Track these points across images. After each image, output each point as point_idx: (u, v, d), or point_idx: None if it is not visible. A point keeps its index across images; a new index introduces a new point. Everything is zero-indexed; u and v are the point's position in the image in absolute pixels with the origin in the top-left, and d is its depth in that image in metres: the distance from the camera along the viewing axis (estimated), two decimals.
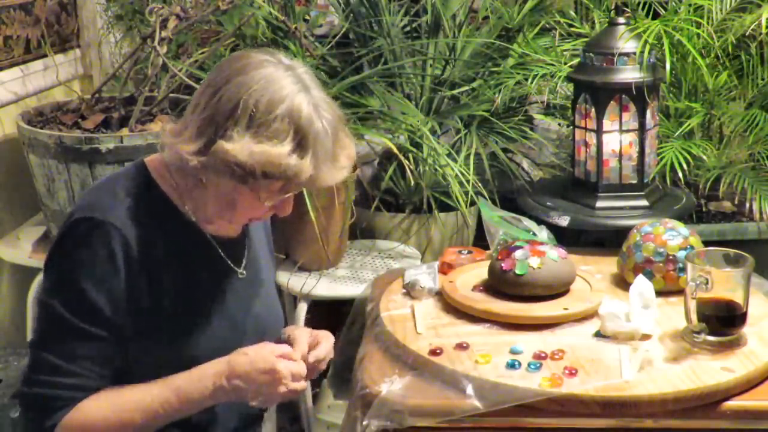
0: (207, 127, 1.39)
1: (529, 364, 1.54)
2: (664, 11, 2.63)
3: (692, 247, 1.82)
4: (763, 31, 2.37)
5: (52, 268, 1.44)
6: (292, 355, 1.47)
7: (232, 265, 1.57)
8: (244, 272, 1.58)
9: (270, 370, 1.43)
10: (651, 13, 2.67)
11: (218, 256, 1.54)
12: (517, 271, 1.74)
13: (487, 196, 2.38)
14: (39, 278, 2.46)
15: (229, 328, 1.52)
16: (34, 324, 1.47)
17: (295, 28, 2.57)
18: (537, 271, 1.73)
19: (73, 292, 1.40)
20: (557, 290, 1.74)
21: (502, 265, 1.77)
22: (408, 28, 2.90)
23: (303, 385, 1.46)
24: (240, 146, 1.36)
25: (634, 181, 2.17)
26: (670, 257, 1.82)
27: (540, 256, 1.75)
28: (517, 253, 1.77)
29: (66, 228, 1.44)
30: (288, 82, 1.40)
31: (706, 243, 1.88)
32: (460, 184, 2.43)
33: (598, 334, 1.65)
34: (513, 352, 1.59)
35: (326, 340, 1.59)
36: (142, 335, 1.45)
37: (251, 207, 1.47)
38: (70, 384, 1.41)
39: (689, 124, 2.40)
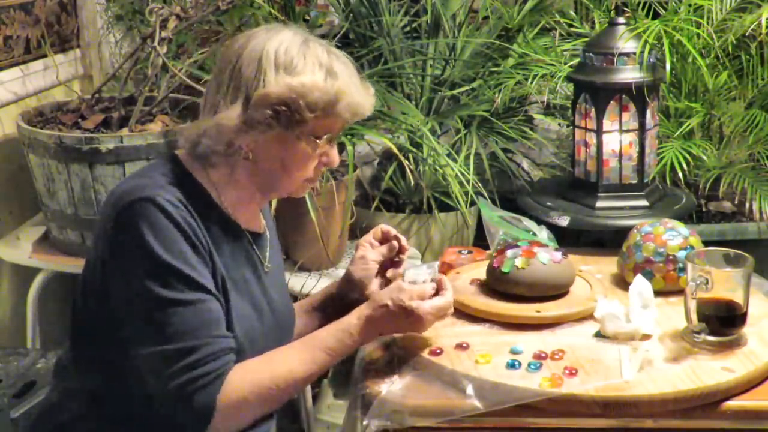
0: (238, 90, 1.45)
1: (529, 364, 1.54)
2: (664, 11, 2.63)
3: (692, 247, 1.82)
4: (763, 31, 2.37)
5: (122, 257, 1.41)
6: (426, 294, 1.54)
7: (261, 258, 1.59)
8: (270, 266, 1.61)
9: (411, 313, 1.51)
10: (651, 13, 2.67)
11: (251, 248, 1.56)
12: (503, 269, 1.75)
13: (487, 196, 2.38)
14: (39, 278, 2.46)
15: (256, 318, 1.53)
16: (127, 328, 1.42)
17: None
18: (520, 271, 1.73)
19: (157, 267, 1.38)
20: (543, 292, 1.74)
21: (494, 262, 1.78)
22: (408, 28, 2.90)
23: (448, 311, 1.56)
24: (278, 85, 1.43)
25: (634, 181, 2.17)
26: (670, 257, 1.82)
27: (529, 257, 1.75)
28: (509, 252, 1.77)
29: (120, 211, 1.41)
30: (291, 34, 1.48)
31: (706, 243, 1.88)
32: (460, 184, 2.43)
33: (598, 334, 1.65)
34: (513, 352, 1.59)
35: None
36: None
37: (303, 161, 1.50)
38: (200, 359, 1.37)
39: (689, 124, 2.40)
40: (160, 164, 1.53)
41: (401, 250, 1.76)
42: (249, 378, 1.41)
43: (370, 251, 1.76)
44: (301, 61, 1.45)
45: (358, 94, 1.50)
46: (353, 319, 1.51)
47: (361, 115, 1.53)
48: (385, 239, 1.78)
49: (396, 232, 1.78)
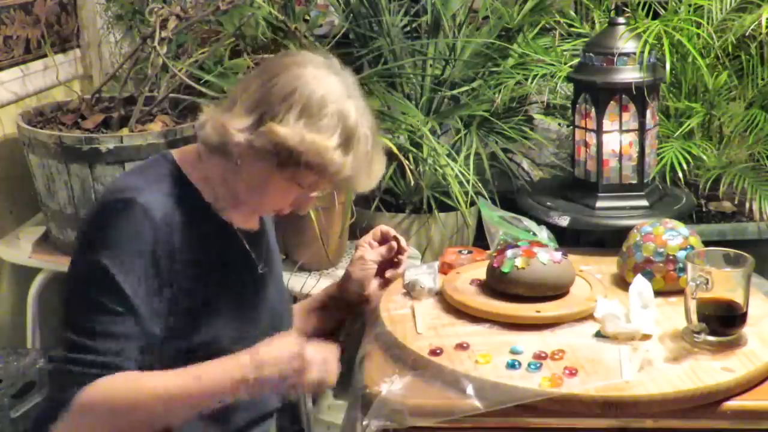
0: (258, 106, 1.43)
1: (529, 364, 1.53)
2: (664, 11, 2.63)
3: (692, 247, 1.82)
4: (763, 31, 2.37)
5: (79, 246, 1.45)
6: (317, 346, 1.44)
7: (255, 259, 1.58)
8: (266, 267, 1.60)
9: (297, 354, 1.40)
10: (651, 13, 2.67)
11: (244, 249, 1.56)
12: (503, 269, 1.75)
13: (487, 196, 2.38)
14: (39, 278, 2.46)
15: (248, 321, 1.53)
16: (62, 304, 1.47)
17: (295, 28, 2.57)
18: (520, 271, 1.73)
19: (97, 269, 1.39)
20: (543, 292, 1.74)
21: (494, 262, 1.78)
22: (408, 28, 2.90)
23: (334, 372, 1.44)
24: (292, 131, 1.40)
25: (634, 181, 2.17)
26: (670, 257, 1.82)
27: (529, 257, 1.75)
28: (509, 252, 1.77)
29: (99, 207, 1.45)
30: (339, 87, 1.46)
31: (706, 243, 1.88)
32: (460, 184, 2.43)
33: (598, 334, 1.65)
34: (513, 352, 1.59)
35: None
36: (164, 321, 1.44)
37: (279, 196, 1.49)
38: (89, 361, 1.38)
39: (689, 124, 2.40)
40: (155, 162, 1.53)
41: (400, 250, 1.77)
42: (113, 387, 1.38)
43: (369, 252, 1.76)
44: (326, 119, 1.43)
45: (360, 175, 1.49)
46: (244, 355, 1.42)
47: (351, 191, 1.53)
48: (384, 240, 1.78)
49: (395, 233, 1.78)
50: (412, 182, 2.53)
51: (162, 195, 1.45)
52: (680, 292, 1.68)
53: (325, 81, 1.45)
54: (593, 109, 2.14)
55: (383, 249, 1.77)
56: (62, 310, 1.44)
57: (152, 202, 1.42)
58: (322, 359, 1.43)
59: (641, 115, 2.13)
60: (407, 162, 2.42)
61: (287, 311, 1.68)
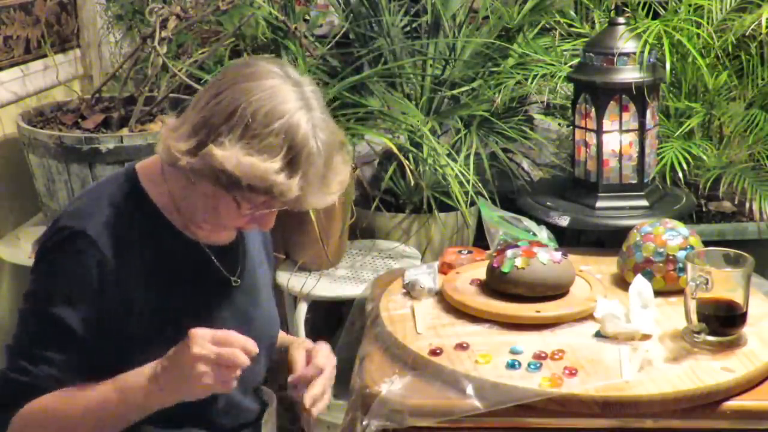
0: (201, 128, 1.36)
1: (529, 364, 1.54)
2: (664, 11, 2.63)
3: (692, 247, 1.82)
4: (763, 31, 2.37)
5: (32, 274, 1.45)
6: (229, 339, 1.33)
7: (226, 273, 1.54)
8: (239, 280, 1.55)
9: (200, 356, 1.31)
10: (651, 13, 2.67)
11: (212, 265, 1.51)
12: (503, 269, 1.75)
13: (487, 196, 2.38)
14: None
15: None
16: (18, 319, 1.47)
17: (295, 28, 2.57)
18: (520, 271, 1.73)
19: (43, 303, 1.40)
20: (543, 292, 1.74)
21: (494, 262, 1.78)
22: (408, 28, 2.90)
23: (236, 373, 1.33)
24: (229, 154, 1.32)
25: (634, 181, 2.18)
26: (670, 257, 1.82)
27: (529, 257, 1.75)
28: (509, 252, 1.78)
29: (49, 234, 1.44)
30: (292, 98, 1.36)
31: (706, 243, 1.88)
32: (460, 184, 2.43)
33: (598, 334, 1.65)
34: (513, 352, 1.59)
35: (322, 349, 1.57)
36: (123, 351, 1.41)
37: (233, 216, 1.43)
38: (27, 383, 1.39)
39: (689, 124, 2.40)
40: (114, 179, 1.50)
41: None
42: (45, 401, 1.39)
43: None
44: (270, 138, 1.33)
45: (312, 191, 1.38)
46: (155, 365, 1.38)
47: (306, 209, 1.45)
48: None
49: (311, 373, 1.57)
50: (412, 182, 2.53)
51: (113, 221, 1.42)
52: (680, 292, 1.68)
53: (277, 94, 1.35)
54: (593, 109, 2.14)
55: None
56: (17, 328, 1.44)
57: (101, 230, 1.40)
58: (222, 357, 1.32)
59: (641, 115, 2.13)
60: (407, 162, 2.42)
61: (271, 324, 1.62)
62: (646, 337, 1.62)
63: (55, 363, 1.40)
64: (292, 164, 1.34)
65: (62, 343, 1.40)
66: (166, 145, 1.39)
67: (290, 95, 1.36)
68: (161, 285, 1.45)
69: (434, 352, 1.58)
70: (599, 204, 2.16)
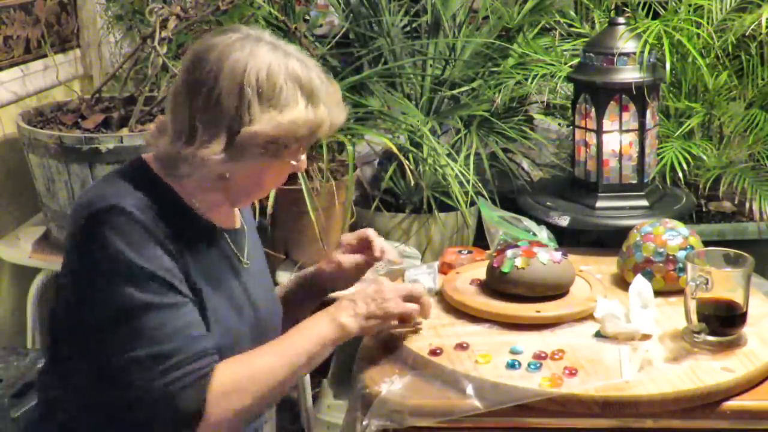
0: (220, 124, 1.39)
1: (529, 364, 1.53)
2: (664, 11, 2.63)
3: (692, 247, 1.82)
4: (763, 31, 2.37)
5: (93, 267, 1.38)
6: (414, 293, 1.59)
7: (239, 255, 1.57)
8: (249, 262, 1.59)
9: (377, 290, 1.55)
10: (651, 13, 2.67)
11: (227, 246, 1.55)
12: (503, 269, 1.75)
13: (487, 196, 2.38)
14: (39, 278, 2.46)
15: (237, 317, 1.51)
16: (107, 336, 1.38)
17: (295, 28, 2.57)
18: (520, 270, 1.73)
19: (131, 271, 1.36)
20: (543, 292, 1.74)
21: (494, 262, 1.78)
22: (408, 28, 2.90)
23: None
24: (266, 124, 1.40)
25: (634, 181, 2.18)
26: (670, 257, 1.82)
27: (529, 257, 1.75)
28: (509, 252, 1.78)
29: (85, 222, 1.39)
30: (266, 51, 1.42)
31: (706, 243, 1.88)
32: (460, 184, 2.43)
33: (598, 334, 1.65)
34: (513, 352, 1.59)
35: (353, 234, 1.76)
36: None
37: (279, 175, 1.52)
38: (182, 360, 1.35)
39: (689, 124, 2.40)
40: (126, 170, 1.49)
41: (376, 258, 1.74)
42: (231, 379, 1.39)
43: (346, 258, 1.75)
44: (284, 91, 1.41)
45: (335, 112, 1.50)
46: (324, 322, 1.52)
47: (336, 129, 1.54)
48: (363, 246, 1.75)
49: (375, 239, 1.74)
50: (412, 182, 2.53)
51: (140, 200, 1.41)
52: (680, 292, 1.68)
53: (253, 56, 1.40)
54: (593, 109, 2.14)
55: (360, 258, 1.75)
56: (112, 338, 1.37)
57: (136, 206, 1.39)
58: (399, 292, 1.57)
59: (641, 115, 2.13)
60: (407, 162, 2.42)
61: (274, 304, 1.66)
62: (646, 337, 1.62)
63: (179, 326, 1.37)
64: (311, 99, 1.45)
65: (167, 301, 1.37)
66: (201, 158, 1.40)
67: (263, 49, 1.42)
68: (190, 260, 1.45)
69: (434, 352, 1.58)
70: (599, 204, 2.16)
